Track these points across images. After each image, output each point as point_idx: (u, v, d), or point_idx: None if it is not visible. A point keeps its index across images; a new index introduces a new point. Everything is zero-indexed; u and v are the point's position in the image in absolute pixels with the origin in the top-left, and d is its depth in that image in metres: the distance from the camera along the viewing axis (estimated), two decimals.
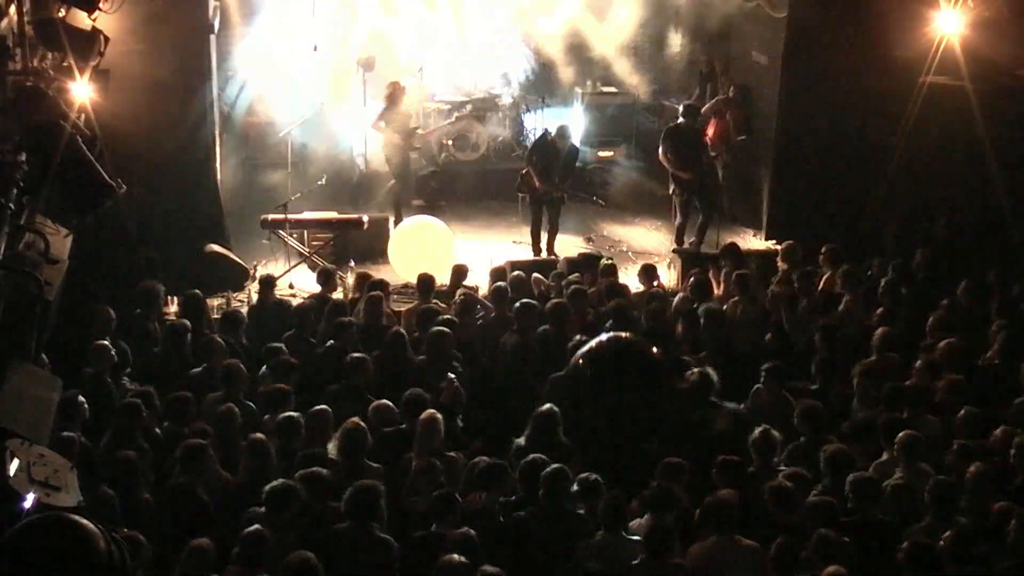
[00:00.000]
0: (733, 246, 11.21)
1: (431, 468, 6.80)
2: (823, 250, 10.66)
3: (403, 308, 10.22)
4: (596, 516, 6.38)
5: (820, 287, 10.28)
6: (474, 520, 6.31)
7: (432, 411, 7.15)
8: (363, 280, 10.13)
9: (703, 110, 13.52)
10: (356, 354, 8.20)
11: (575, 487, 6.57)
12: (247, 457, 6.89)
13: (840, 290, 9.96)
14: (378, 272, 11.36)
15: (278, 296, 10.35)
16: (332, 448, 7.00)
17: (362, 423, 6.99)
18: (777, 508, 6.39)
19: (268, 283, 9.94)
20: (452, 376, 8.09)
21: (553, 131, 12.81)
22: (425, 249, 11.68)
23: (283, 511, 6.09)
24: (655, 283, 10.50)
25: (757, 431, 7.09)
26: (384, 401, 7.56)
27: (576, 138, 13.50)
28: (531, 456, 6.77)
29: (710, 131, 13.49)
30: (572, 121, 15.46)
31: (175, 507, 6.47)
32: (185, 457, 6.63)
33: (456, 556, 5.65)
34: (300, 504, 6.16)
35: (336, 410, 7.37)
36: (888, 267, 10.41)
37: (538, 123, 15.34)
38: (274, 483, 6.19)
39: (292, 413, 7.26)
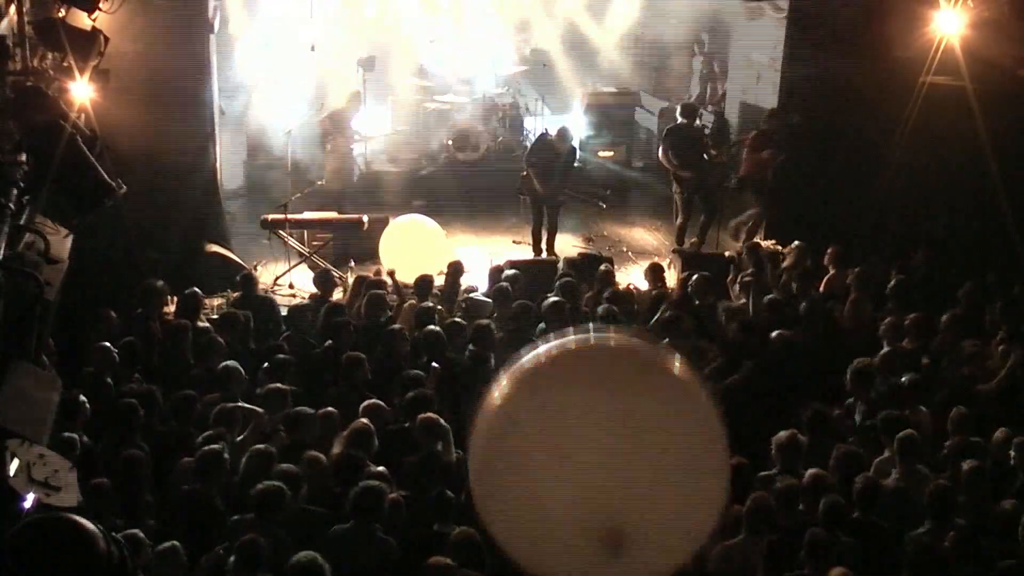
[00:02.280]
0: (756, 246, 11.20)
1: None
2: (829, 250, 10.67)
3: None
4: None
5: (822, 288, 10.29)
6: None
7: (433, 414, 7.15)
8: (361, 283, 10.08)
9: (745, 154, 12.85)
10: (352, 353, 8.21)
11: None
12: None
13: (849, 288, 9.97)
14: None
15: (262, 293, 10.34)
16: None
17: (370, 425, 6.99)
18: (776, 509, 6.40)
19: (249, 280, 9.94)
20: (436, 366, 8.12)
21: (552, 132, 12.80)
22: (416, 248, 11.61)
23: (274, 512, 6.09)
24: (660, 283, 10.52)
25: (784, 434, 7.03)
26: (374, 401, 7.53)
27: (576, 138, 13.50)
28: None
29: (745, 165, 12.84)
30: (572, 121, 15.50)
31: (190, 514, 6.39)
32: (202, 463, 6.56)
33: (443, 559, 5.64)
34: (290, 505, 6.16)
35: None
36: (889, 267, 10.41)
37: (538, 123, 15.38)
38: (262, 485, 6.18)
39: (305, 408, 7.27)
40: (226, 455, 6.66)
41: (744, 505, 6.30)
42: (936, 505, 6.33)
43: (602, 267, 10.61)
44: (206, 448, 6.68)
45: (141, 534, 5.62)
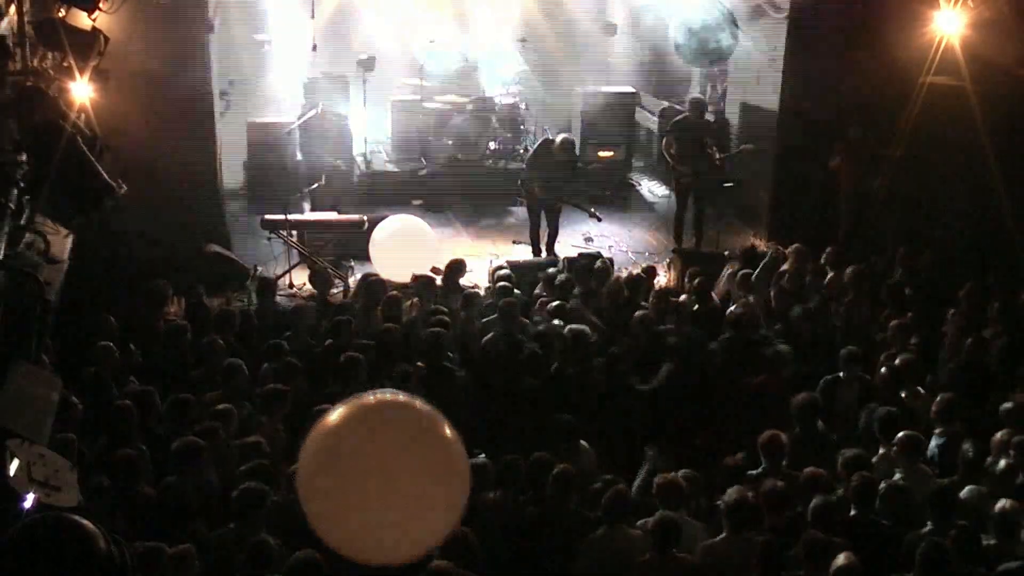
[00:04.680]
0: (751, 249, 11.20)
1: None
2: (827, 251, 10.66)
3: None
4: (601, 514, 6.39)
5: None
6: (486, 517, 6.30)
7: None
8: (364, 283, 10.04)
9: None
10: (350, 353, 8.20)
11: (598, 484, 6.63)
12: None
13: (847, 288, 9.97)
14: None
15: (278, 302, 10.33)
16: None
17: None
18: (769, 509, 6.41)
19: (267, 287, 9.93)
20: (420, 365, 8.16)
21: (554, 138, 12.75)
22: (406, 248, 11.55)
23: (253, 512, 6.09)
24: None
25: (767, 433, 7.08)
26: None
27: (576, 140, 13.49)
28: (537, 454, 6.81)
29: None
30: (572, 121, 15.52)
31: (159, 508, 6.36)
32: (178, 454, 6.51)
33: (443, 563, 5.64)
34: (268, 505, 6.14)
35: None
36: (889, 267, 10.40)
37: (537, 123, 15.36)
38: (243, 486, 6.18)
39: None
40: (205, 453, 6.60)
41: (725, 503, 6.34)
42: (937, 505, 6.33)
43: (598, 263, 10.59)
44: (184, 438, 6.59)
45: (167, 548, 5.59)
